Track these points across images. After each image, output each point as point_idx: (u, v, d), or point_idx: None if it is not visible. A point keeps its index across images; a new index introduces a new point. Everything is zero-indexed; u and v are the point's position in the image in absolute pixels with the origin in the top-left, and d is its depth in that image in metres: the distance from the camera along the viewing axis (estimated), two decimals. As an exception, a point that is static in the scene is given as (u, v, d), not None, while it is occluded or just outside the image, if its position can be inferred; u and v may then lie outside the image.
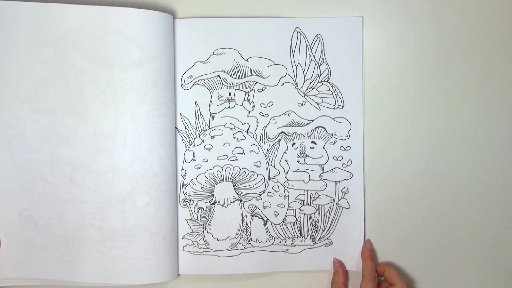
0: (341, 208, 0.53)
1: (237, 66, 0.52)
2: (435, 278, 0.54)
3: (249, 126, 0.53)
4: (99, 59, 0.49)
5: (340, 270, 0.52)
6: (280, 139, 0.53)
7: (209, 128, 0.53)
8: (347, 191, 0.53)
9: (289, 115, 0.53)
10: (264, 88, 0.53)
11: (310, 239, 0.53)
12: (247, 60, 0.52)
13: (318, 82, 0.53)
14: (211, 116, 0.53)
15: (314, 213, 0.53)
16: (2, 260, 0.50)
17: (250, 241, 0.53)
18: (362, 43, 0.52)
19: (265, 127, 0.53)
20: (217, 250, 0.53)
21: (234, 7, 0.52)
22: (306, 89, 0.53)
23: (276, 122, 0.53)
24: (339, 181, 0.53)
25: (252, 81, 0.52)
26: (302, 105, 0.53)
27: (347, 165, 0.53)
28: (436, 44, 0.53)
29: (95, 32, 0.49)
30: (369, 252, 0.52)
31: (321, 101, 0.53)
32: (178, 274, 0.53)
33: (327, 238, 0.53)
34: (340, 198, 0.53)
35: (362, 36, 0.53)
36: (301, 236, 0.53)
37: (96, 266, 0.50)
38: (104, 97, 0.49)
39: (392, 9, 0.53)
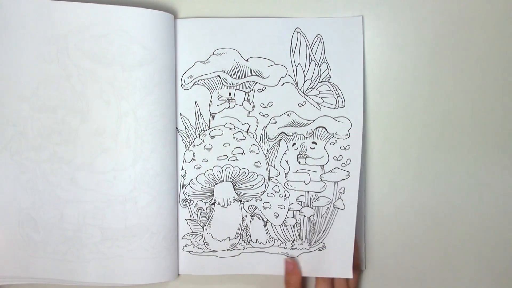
0: (336, 209, 0.53)
1: (237, 66, 0.52)
2: (435, 280, 0.53)
3: (249, 126, 0.53)
4: (102, 58, 0.49)
5: (296, 270, 0.52)
6: (280, 139, 0.53)
7: (209, 128, 0.53)
8: (344, 191, 0.52)
9: (289, 115, 0.53)
10: (264, 88, 0.52)
11: (307, 242, 0.53)
12: (247, 60, 0.52)
13: (318, 82, 0.52)
14: (211, 116, 0.53)
15: (313, 215, 0.53)
16: (2, 259, 0.50)
17: (250, 242, 0.53)
18: (362, 43, 0.52)
19: (265, 127, 0.53)
20: (217, 251, 0.53)
21: (235, 7, 0.52)
22: (307, 89, 0.52)
23: (276, 122, 0.53)
24: (337, 181, 0.53)
25: (252, 81, 0.52)
26: (302, 105, 0.52)
27: (346, 165, 0.52)
28: (437, 43, 0.52)
29: (97, 30, 0.49)
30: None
31: (322, 101, 0.52)
32: (178, 274, 0.53)
33: (321, 242, 0.53)
34: (337, 199, 0.53)
35: (363, 35, 0.52)
36: (300, 240, 0.53)
37: (97, 266, 0.50)
38: (106, 96, 0.49)
39: (393, 8, 0.52)
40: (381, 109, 0.53)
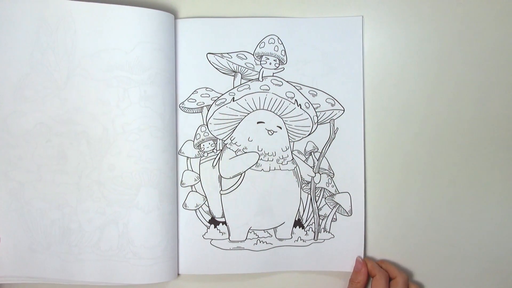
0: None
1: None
2: (435, 281, 0.54)
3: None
4: (101, 58, 0.49)
5: (363, 270, 0.52)
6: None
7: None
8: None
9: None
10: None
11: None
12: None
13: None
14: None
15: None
16: (2, 258, 0.50)
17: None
18: (362, 43, 0.52)
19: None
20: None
21: (234, 7, 0.53)
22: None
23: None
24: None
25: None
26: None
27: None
28: (437, 44, 0.53)
29: (95, 30, 0.49)
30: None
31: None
32: (178, 274, 0.52)
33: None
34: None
35: (363, 36, 0.52)
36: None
37: (97, 265, 0.50)
38: (106, 97, 0.49)
39: (392, 8, 0.53)
40: (380, 109, 0.53)
